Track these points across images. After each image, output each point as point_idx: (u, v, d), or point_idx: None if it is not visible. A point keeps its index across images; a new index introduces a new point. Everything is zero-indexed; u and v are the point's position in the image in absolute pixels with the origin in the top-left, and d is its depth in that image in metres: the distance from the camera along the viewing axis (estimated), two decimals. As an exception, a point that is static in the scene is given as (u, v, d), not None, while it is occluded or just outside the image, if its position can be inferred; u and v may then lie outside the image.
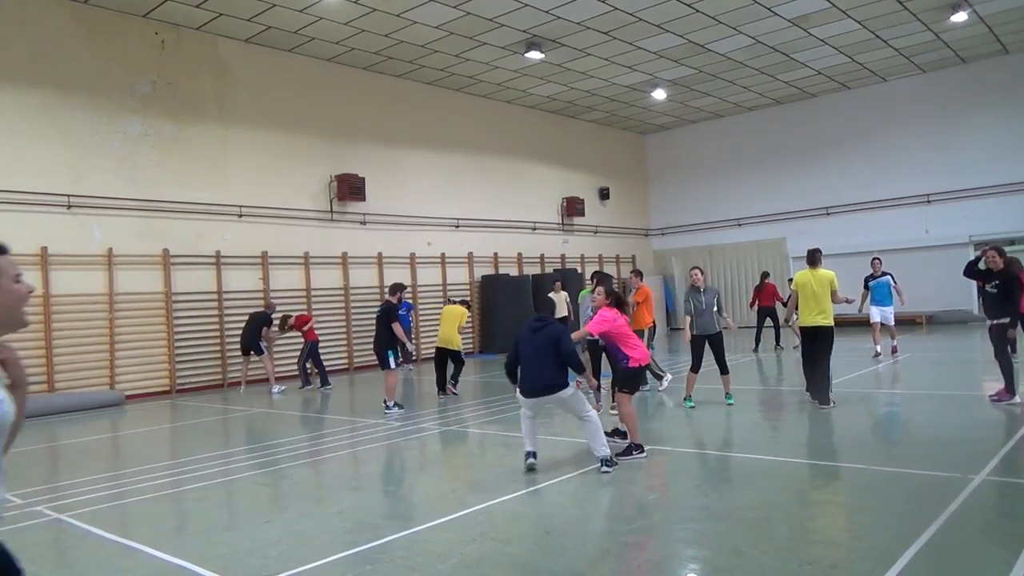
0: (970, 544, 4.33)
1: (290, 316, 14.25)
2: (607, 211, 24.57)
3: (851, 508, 5.23)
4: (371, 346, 11.23)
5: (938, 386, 10.24)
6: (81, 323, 12.83)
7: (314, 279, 16.27)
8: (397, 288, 10.84)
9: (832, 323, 8.72)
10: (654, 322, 10.79)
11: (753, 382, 12.04)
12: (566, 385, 6.31)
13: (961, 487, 5.22)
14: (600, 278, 8.13)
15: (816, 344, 8.73)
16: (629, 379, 6.83)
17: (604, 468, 6.18)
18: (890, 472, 5.87)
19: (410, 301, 14.94)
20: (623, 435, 7.03)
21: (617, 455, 6.56)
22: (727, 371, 9.40)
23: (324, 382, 13.75)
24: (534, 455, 6.37)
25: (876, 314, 13.34)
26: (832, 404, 8.61)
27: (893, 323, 13.52)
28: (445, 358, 11.85)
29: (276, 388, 13.45)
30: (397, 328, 10.40)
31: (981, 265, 8.77)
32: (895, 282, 13.51)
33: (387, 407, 10.22)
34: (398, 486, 6.67)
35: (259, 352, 13.51)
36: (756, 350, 16.02)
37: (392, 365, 10.37)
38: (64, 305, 12.71)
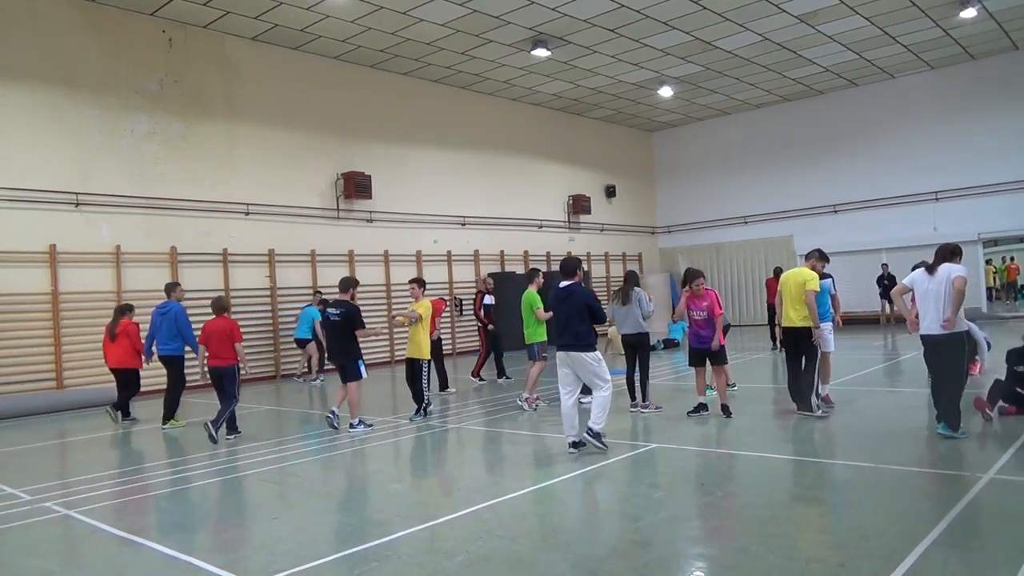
0: (978, 543, 4.31)
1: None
2: (613, 209, 24.53)
3: (858, 506, 5.20)
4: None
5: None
6: (90, 320, 12.88)
7: (321, 277, 16.29)
8: (351, 284, 9.16)
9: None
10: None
11: (762, 379, 12.00)
12: None
13: (969, 486, 5.20)
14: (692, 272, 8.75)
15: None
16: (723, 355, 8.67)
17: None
18: (898, 470, 5.86)
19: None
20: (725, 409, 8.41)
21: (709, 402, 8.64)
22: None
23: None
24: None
25: None
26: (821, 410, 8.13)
27: (832, 347, 8.53)
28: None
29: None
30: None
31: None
32: (835, 288, 8.92)
33: (352, 425, 8.81)
34: (404, 483, 6.68)
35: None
36: (775, 348, 14.98)
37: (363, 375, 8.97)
38: (73, 302, 12.79)
